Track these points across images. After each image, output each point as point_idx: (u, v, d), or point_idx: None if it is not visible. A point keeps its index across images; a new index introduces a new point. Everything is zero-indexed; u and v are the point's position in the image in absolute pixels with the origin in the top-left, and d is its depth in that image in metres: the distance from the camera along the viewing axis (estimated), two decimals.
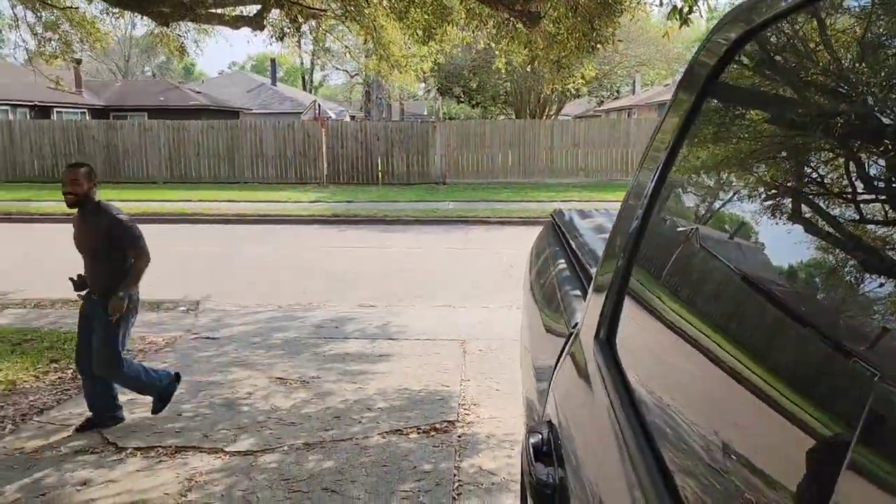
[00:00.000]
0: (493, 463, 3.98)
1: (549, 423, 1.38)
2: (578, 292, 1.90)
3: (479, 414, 4.71)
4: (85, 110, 31.93)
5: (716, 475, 0.80)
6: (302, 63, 61.42)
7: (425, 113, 51.73)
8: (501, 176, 21.30)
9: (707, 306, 0.97)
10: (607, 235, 2.77)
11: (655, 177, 1.28)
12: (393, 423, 4.52)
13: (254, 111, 37.07)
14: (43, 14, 11.26)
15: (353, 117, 41.38)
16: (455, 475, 3.83)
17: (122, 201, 16.86)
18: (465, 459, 4.03)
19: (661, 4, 6.17)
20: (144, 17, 10.30)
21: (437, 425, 4.48)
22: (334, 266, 10.13)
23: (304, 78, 62.44)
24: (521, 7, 5.66)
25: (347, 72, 52.03)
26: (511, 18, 7.18)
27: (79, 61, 31.13)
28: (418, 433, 4.37)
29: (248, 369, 5.62)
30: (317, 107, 25.29)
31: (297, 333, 6.66)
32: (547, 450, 1.28)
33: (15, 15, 11.28)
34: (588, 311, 1.45)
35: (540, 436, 1.33)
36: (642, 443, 0.95)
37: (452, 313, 7.49)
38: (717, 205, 1.09)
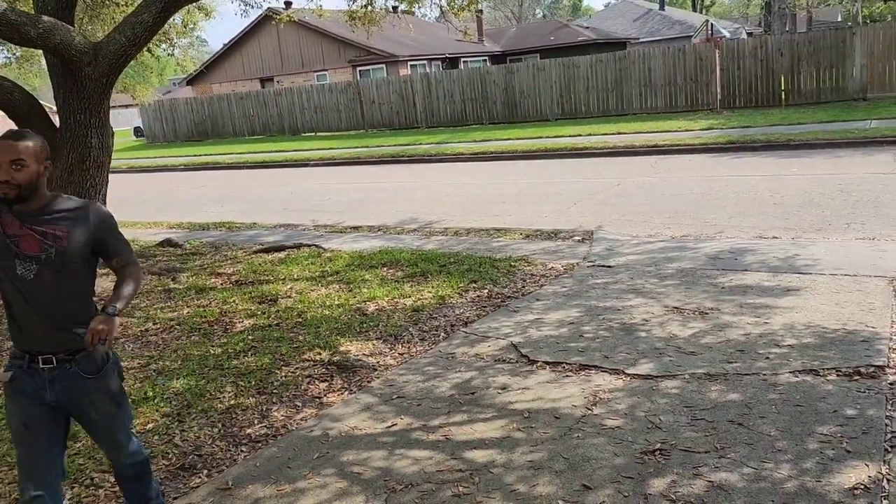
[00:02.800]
0: None
1: None
2: None
3: None
4: (486, 57, 34.89)
5: None
6: None
7: (839, 19, 44.68)
8: None
9: None
10: None
11: None
12: (805, 362, 4.12)
13: (641, 40, 36.31)
14: None
15: (749, 34, 37.79)
16: (887, 425, 3.35)
17: (518, 139, 18.25)
18: None
19: None
20: None
21: (862, 369, 3.96)
22: (729, 195, 9.51)
23: None
24: None
25: None
26: None
27: (480, 12, 33.90)
28: (838, 375, 3.92)
29: (643, 297, 5.65)
30: (709, 27, 23.65)
31: (691, 264, 6.46)
32: None
33: None
34: None
35: None
36: None
37: (876, 247, 6.47)
38: None
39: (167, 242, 9.47)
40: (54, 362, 2.58)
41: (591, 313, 5.38)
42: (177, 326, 5.92)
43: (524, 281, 6.44)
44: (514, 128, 21.36)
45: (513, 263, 6.99)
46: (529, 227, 8.61)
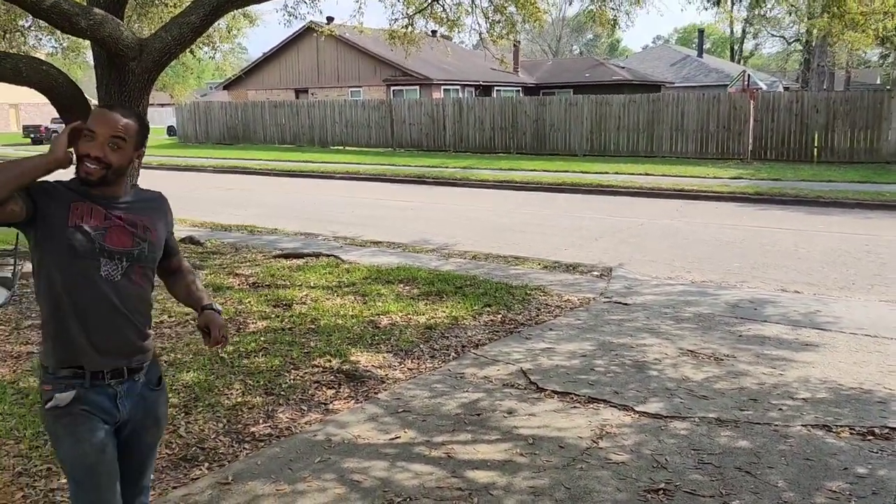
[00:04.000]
0: None
1: None
2: None
3: None
4: (519, 88, 35.16)
5: None
6: (732, 32, 58.07)
7: (878, 82, 44.54)
8: None
9: None
10: None
11: None
12: (819, 417, 4.06)
13: (676, 84, 36.42)
14: None
15: (786, 88, 37.78)
16: None
17: (545, 171, 18.28)
18: None
19: None
20: None
21: (876, 429, 3.88)
22: (754, 246, 9.45)
23: (732, 48, 58.98)
24: None
25: (784, 38, 47.57)
26: None
27: (517, 43, 34.21)
28: (851, 433, 3.85)
29: (658, 337, 5.61)
30: (746, 77, 23.65)
31: (710, 309, 6.40)
32: None
33: (472, 1, 12.86)
34: None
35: None
36: None
37: None
38: None
39: (189, 240, 9.57)
40: (125, 374, 2.20)
41: (605, 348, 5.34)
42: (191, 321, 5.95)
43: (539, 310, 6.42)
44: (541, 160, 21.42)
45: (529, 292, 6.97)
46: (548, 259, 8.60)
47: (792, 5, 12.71)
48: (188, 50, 13.38)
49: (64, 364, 2.15)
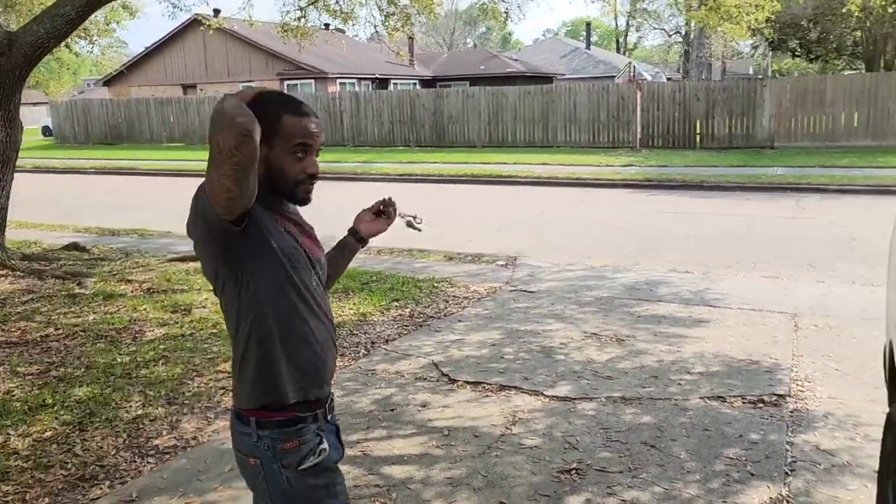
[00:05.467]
0: (831, 443, 3.58)
1: None
2: None
3: (814, 391, 4.25)
4: (416, 81, 35.18)
5: None
6: (617, 25, 60.36)
7: (750, 72, 47.50)
8: (843, 139, 18.72)
9: None
10: None
11: None
12: (714, 389, 4.29)
13: (567, 76, 37.46)
14: None
15: (669, 79, 39.64)
16: (787, 450, 3.52)
17: (445, 163, 18.41)
18: (799, 435, 3.68)
19: None
20: None
21: (766, 397, 4.15)
22: (646, 229, 9.88)
23: (618, 41, 61.31)
24: None
25: (665, 31, 49.87)
26: None
27: (412, 36, 34.19)
28: (743, 402, 4.10)
29: (562, 322, 5.77)
30: (632, 68, 24.66)
31: (608, 293, 6.64)
32: None
33: None
34: None
35: None
36: None
37: (780, 285, 6.84)
38: None
39: (73, 246, 9.01)
40: (332, 400, 1.93)
41: (513, 335, 5.44)
42: (81, 333, 5.61)
43: (447, 302, 6.46)
44: (441, 152, 21.55)
45: (436, 284, 7.00)
46: (452, 250, 8.66)
47: None
48: (63, 44, 12.58)
49: (290, 396, 1.77)
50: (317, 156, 1.83)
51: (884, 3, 7.95)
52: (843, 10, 9.80)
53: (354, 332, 5.62)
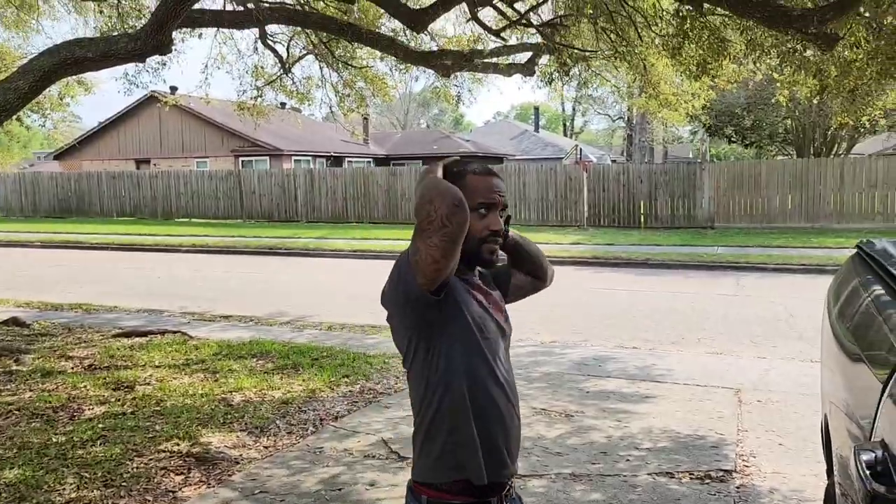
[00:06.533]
0: None
1: (883, 442, 1.25)
2: None
3: (759, 467, 4.33)
4: (370, 159, 35.77)
5: None
6: (563, 110, 62.78)
7: (690, 156, 49.66)
8: (779, 220, 19.62)
9: None
10: None
11: None
12: (661, 465, 4.33)
13: (517, 157, 38.60)
14: (343, 74, 12.93)
15: (613, 161, 41.16)
16: None
17: (398, 240, 18.56)
18: None
19: None
20: (426, 71, 11.35)
21: (712, 473, 4.21)
22: (594, 306, 10.07)
23: (565, 125, 63.64)
24: (815, 29, 5.24)
25: (609, 116, 52.03)
26: (798, 47, 6.68)
27: (367, 117, 34.94)
28: (691, 478, 4.14)
29: None
30: (578, 151, 25.59)
31: (557, 368, 6.70)
32: (883, 469, 1.17)
33: (322, 75, 13.10)
34: None
35: (873, 454, 1.22)
36: None
37: (723, 361, 7.02)
38: None
39: (13, 321, 8.72)
40: (512, 486, 1.81)
41: None
42: (15, 412, 5.39)
43: (397, 378, 6.42)
44: (394, 228, 21.74)
45: (386, 360, 6.96)
46: None
47: (614, 86, 14.04)
48: (14, 117, 12.49)
49: (480, 483, 1.67)
50: (501, 217, 1.82)
51: (809, 95, 8.52)
52: (774, 101, 10.45)
53: (303, 408, 5.52)
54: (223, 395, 5.76)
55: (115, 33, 9.61)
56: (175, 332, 8.15)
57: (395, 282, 1.69)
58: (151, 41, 6.14)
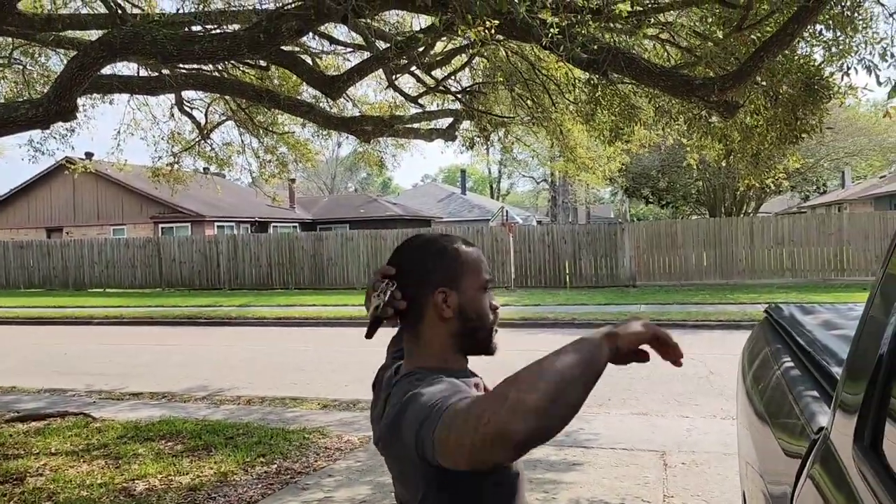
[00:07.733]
0: None
1: None
2: (816, 393, 1.66)
3: None
4: (296, 224, 35.39)
5: None
6: (490, 172, 64.19)
7: (612, 216, 51.32)
8: (696, 277, 20.27)
9: None
10: (840, 332, 2.45)
11: None
12: None
13: (444, 219, 38.96)
14: (265, 140, 12.80)
15: (539, 222, 42.02)
16: None
17: (324, 306, 18.20)
18: None
19: (880, 84, 5.68)
20: (350, 137, 11.34)
21: None
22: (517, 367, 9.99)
23: (491, 187, 64.98)
24: (717, 97, 5.47)
25: (534, 178, 53.44)
26: (703, 113, 6.98)
27: (292, 180, 34.68)
28: None
29: None
30: (504, 213, 26.03)
31: None
32: None
33: (242, 141, 12.94)
34: (839, 412, 1.23)
35: None
36: None
37: (648, 421, 7.00)
38: None
39: None
40: None
41: (384, 491, 5.16)
42: None
43: (317, 455, 6.11)
44: (320, 294, 21.36)
45: (306, 436, 6.64)
46: (327, 397, 8.35)
47: (534, 150, 14.40)
48: None
49: None
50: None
51: (716, 158, 8.88)
52: (685, 164, 10.89)
53: (212, 494, 5.15)
54: (124, 484, 5.32)
55: (20, 99, 9.23)
56: (77, 414, 7.60)
57: (414, 437, 1.28)
58: (54, 107, 5.87)
